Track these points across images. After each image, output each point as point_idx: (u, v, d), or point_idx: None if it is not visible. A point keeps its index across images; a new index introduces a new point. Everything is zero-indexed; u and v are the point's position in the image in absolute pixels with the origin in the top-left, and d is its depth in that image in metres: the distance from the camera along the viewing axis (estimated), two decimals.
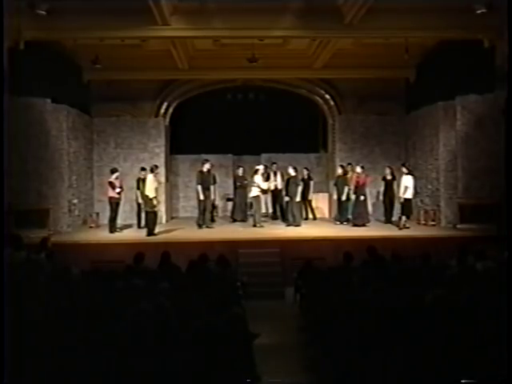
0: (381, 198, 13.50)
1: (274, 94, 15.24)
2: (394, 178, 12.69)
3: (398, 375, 3.39)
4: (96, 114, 14.33)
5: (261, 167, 12.78)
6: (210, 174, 12.69)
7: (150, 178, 11.53)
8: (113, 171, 12.05)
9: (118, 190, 11.80)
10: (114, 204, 11.81)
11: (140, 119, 14.56)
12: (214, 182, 12.89)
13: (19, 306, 4.09)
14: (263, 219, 13.46)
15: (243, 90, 15.32)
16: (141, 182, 12.50)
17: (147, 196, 11.37)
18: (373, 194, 14.29)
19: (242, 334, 4.20)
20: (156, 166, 12.18)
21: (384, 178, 12.93)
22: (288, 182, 12.76)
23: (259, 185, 12.39)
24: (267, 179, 13.96)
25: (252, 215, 13.04)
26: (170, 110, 14.86)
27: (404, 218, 12.01)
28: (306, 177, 14.07)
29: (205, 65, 13.52)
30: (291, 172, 12.63)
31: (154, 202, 11.42)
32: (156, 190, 11.59)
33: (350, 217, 12.88)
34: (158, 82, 14.46)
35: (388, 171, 12.82)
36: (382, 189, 13.28)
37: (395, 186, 12.71)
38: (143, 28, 10.25)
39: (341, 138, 14.77)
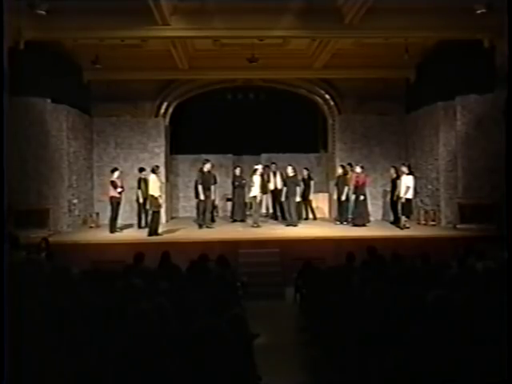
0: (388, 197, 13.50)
1: (274, 94, 15.25)
2: (398, 178, 12.64)
3: (397, 375, 3.39)
4: (96, 114, 14.33)
5: (259, 167, 12.78)
6: (211, 174, 12.71)
7: (152, 177, 11.55)
8: (113, 170, 12.08)
9: (119, 189, 11.82)
10: (115, 204, 11.82)
11: (140, 119, 14.57)
12: (215, 182, 12.91)
13: (19, 306, 4.08)
14: (263, 219, 13.49)
15: (243, 90, 15.32)
16: (142, 182, 12.52)
17: (152, 195, 11.38)
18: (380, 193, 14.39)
19: (242, 334, 4.20)
20: (157, 167, 12.22)
21: (395, 178, 12.81)
22: (287, 182, 12.78)
23: (258, 186, 12.39)
24: (268, 180, 13.99)
25: (251, 215, 13.06)
26: (170, 109, 14.87)
27: (404, 217, 12.02)
28: (306, 177, 14.09)
29: (205, 65, 13.52)
30: (290, 172, 12.66)
31: (160, 200, 11.45)
32: (160, 188, 11.64)
33: (350, 217, 12.89)
34: (158, 82, 14.46)
35: (393, 171, 12.80)
36: (389, 189, 13.29)
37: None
38: (143, 28, 10.25)
39: (341, 138, 14.76)
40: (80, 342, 3.77)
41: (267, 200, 14.43)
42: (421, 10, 9.98)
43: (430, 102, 12.89)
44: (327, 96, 14.91)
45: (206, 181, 12.43)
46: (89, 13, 9.93)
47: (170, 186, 15.37)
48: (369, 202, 12.93)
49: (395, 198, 12.61)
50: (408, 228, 11.97)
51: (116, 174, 11.99)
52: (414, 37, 11.52)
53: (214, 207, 13.89)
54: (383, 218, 14.22)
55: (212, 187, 12.60)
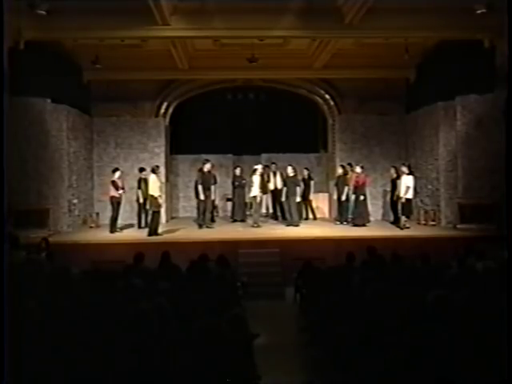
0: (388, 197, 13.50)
1: (274, 94, 15.25)
2: (398, 178, 12.62)
3: (398, 375, 3.39)
4: (96, 114, 14.33)
5: (259, 167, 12.78)
6: (211, 174, 12.71)
7: (152, 177, 11.55)
8: (115, 171, 12.10)
9: (120, 191, 11.86)
10: (116, 203, 11.82)
11: (140, 119, 14.56)
12: (215, 182, 12.91)
13: (19, 306, 4.09)
14: (263, 219, 13.48)
15: (243, 90, 15.32)
16: (142, 182, 12.52)
17: (152, 196, 11.37)
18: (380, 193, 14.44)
19: (242, 334, 4.20)
20: (157, 167, 12.23)
21: (395, 178, 12.78)
22: (287, 182, 12.78)
23: (257, 186, 12.37)
24: (268, 180, 13.99)
25: (251, 215, 13.07)
26: (170, 110, 14.86)
27: (404, 217, 12.02)
28: (306, 177, 14.09)
29: (205, 65, 13.52)
30: (290, 172, 12.67)
31: (160, 200, 11.44)
32: (160, 188, 11.65)
33: (350, 217, 12.88)
34: (158, 82, 14.46)
35: (393, 171, 12.81)
36: (389, 189, 13.28)
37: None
38: (143, 28, 10.25)
39: (341, 138, 14.76)
40: (80, 342, 3.77)
41: (267, 200, 14.43)
42: (421, 9, 9.97)
43: (430, 102, 12.88)
44: (327, 96, 14.90)
45: (206, 181, 12.42)
46: (89, 13, 9.93)
47: (170, 185, 15.37)
48: (369, 202, 12.92)
49: (395, 198, 12.60)
50: (408, 228, 11.96)
51: (117, 174, 12.01)
52: (414, 37, 11.51)
53: (214, 207, 13.89)
54: (383, 218, 14.21)
55: (212, 187, 12.60)
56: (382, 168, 14.44)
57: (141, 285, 5.36)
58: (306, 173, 14.19)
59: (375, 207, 14.13)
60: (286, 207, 12.87)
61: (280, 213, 13.94)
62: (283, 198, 12.87)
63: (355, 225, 12.43)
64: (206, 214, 12.51)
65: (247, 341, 4.42)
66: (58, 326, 4.02)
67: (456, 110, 11.96)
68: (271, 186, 14.13)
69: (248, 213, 13.87)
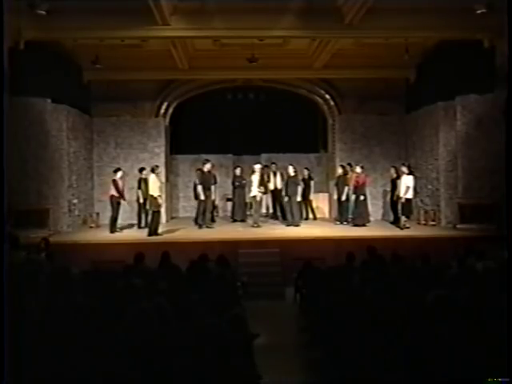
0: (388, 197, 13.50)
1: (274, 94, 15.25)
2: (398, 178, 12.62)
3: (398, 375, 3.39)
4: (96, 114, 14.33)
5: (258, 167, 12.76)
6: (211, 174, 12.71)
7: (152, 177, 11.55)
8: (116, 171, 12.11)
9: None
10: (116, 203, 11.82)
11: (140, 119, 14.56)
12: (215, 182, 12.91)
13: (19, 306, 4.09)
14: (263, 219, 13.48)
15: (243, 90, 15.32)
16: (142, 182, 12.52)
17: (152, 195, 11.37)
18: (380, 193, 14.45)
19: (242, 334, 4.20)
20: (157, 166, 12.21)
21: (395, 178, 12.80)
22: (288, 181, 12.78)
23: (256, 185, 12.36)
24: (268, 180, 13.99)
25: (251, 215, 13.07)
26: (170, 110, 14.87)
27: (404, 217, 12.02)
28: (306, 177, 14.09)
29: (205, 65, 13.52)
30: (291, 172, 12.66)
31: (159, 200, 11.44)
32: (160, 188, 11.65)
33: (350, 217, 12.88)
34: (158, 82, 14.46)
35: (393, 171, 12.81)
36: (389, 189, 13.28)
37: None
38: (143, 28, 10.25)
39: (341, 138, 14.76)
40: (79, 342, 3.77)
41: (267, 200, 14.44)
42: (421, 9, 9.98)
43: (430, 102, 12.88)
44: (327, 96, 14.90)
45: (206, 181, 12.42)
46: (89, 13, 9.93)
47: (170, 185, 15.37)
48: (369, 201, 12.92)
49: (395, 198, 12.59)
50: (408, 228, 11.96)
51: (119, 174, 12.02)
52: (414, 37, 11.52)
53: (214, 207, 13.89)
54: (383, 218, 14.21)
55: (212, 187, 12.60)
56: (382, 168, 14.44)
57: (141, 285, 5.36)
58: (306, 173, 14.19)
59: (375, 207, 14.13)
60: (287, 207, 12.85)
61: (280, 213, 13.94)
62: (285, 199, 12.87)
63: (355, 225, 12.43)
64: (206, 214, 12.50)
65: (247, 341, 4.41)
66: (58, 326, 4.01)
67: (456, 109, 11.96)
68: (271, 186, 14.13)
69: (248, 213, 13.87)
